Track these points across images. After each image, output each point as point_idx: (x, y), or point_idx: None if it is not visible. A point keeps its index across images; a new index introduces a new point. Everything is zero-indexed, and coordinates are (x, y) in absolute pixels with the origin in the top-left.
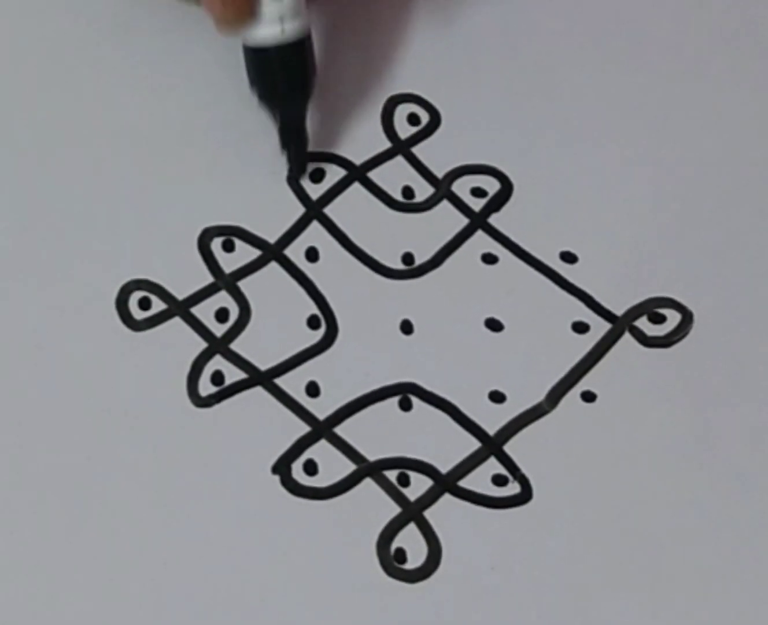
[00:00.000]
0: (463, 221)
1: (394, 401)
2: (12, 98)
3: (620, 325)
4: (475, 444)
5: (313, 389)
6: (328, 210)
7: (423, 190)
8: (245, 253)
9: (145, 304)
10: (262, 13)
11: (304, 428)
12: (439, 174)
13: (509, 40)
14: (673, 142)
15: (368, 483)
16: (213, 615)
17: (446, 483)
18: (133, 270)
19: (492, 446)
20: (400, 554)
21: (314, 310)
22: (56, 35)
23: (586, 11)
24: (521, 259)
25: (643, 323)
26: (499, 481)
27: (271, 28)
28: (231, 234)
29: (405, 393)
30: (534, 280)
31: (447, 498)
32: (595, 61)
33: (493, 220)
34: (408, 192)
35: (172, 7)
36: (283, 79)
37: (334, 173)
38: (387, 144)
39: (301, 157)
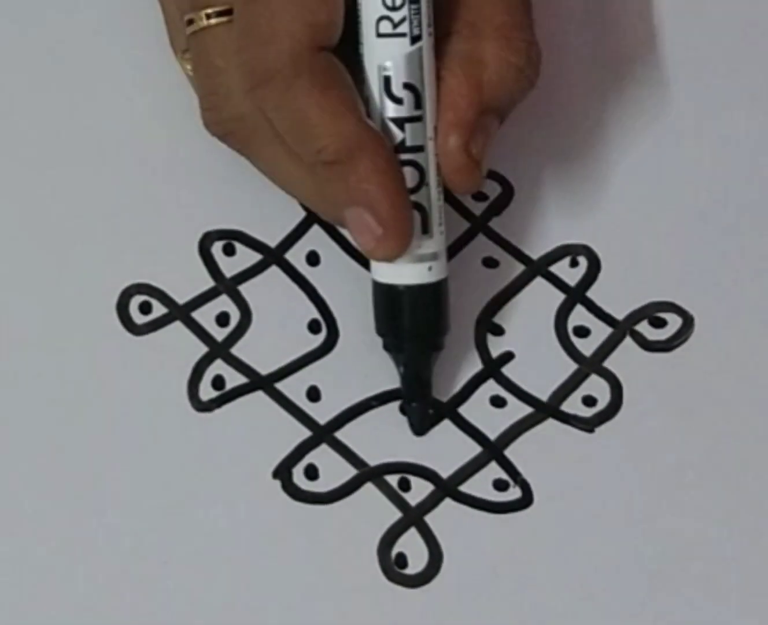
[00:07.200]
0: (464, 225)
1: (395, 405)
2: (12, 99)
3: (621, 329)
4: (476, 449)
5: (313, 394)
6: None
7: None
8: (246, 257)
9: (145, 308)
10: (413, 248)
11: (305, 433)
12: None
13: None
14: (675, 145)
15: (369, 488)
16: (213, 620)
17: (447, 488)
18: (133, 274)
19: (493, 450)
20: (401, 559)
21: (315, 314)
22: (56, 34)
23: None
24: (522, 263)
25: (643, 327)
26: (499, 486)
27: (419, 265)
28: (232, 238)
29: None
30: (535, 284)
31: (448, 503)
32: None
33: (494, 224)
34: None
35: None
36: (417, 322)
37: None
38: None
39: (424, 414)
